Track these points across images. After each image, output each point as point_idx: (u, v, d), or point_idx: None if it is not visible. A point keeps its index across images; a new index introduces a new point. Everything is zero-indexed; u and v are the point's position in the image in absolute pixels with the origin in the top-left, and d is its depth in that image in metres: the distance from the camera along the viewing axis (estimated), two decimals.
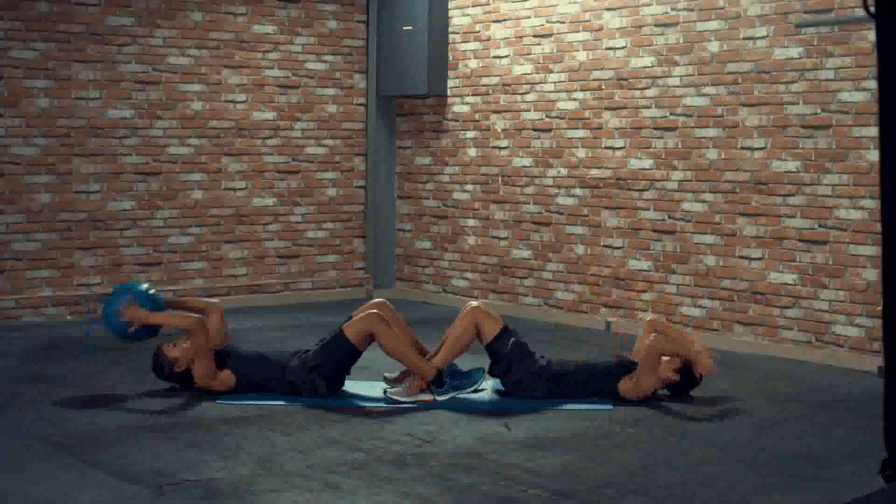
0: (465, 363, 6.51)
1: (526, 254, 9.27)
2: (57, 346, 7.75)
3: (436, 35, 9.76)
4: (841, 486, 4.73)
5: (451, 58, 9.84)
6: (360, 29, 10.24)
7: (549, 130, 9.08)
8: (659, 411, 6.06)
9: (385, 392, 6.22)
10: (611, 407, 6.11)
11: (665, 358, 6.24)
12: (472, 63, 9.67)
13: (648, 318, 6.64)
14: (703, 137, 8.06)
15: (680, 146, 8.20)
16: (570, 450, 5.28)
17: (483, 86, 9.58)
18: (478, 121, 9.65)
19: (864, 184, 7.21)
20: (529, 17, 9.19)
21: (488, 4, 9.52)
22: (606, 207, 8.68)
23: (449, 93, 9.86)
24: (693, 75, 8.10)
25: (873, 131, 7.03)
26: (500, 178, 9.48)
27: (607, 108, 8.65)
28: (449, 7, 9.81)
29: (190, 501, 4.47)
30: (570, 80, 8.90)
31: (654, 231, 8.38)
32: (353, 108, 10.26)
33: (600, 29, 8.67)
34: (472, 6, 9.65)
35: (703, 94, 8.04)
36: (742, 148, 7.85)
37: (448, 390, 6.20)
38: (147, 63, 9.23)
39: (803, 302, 7.55)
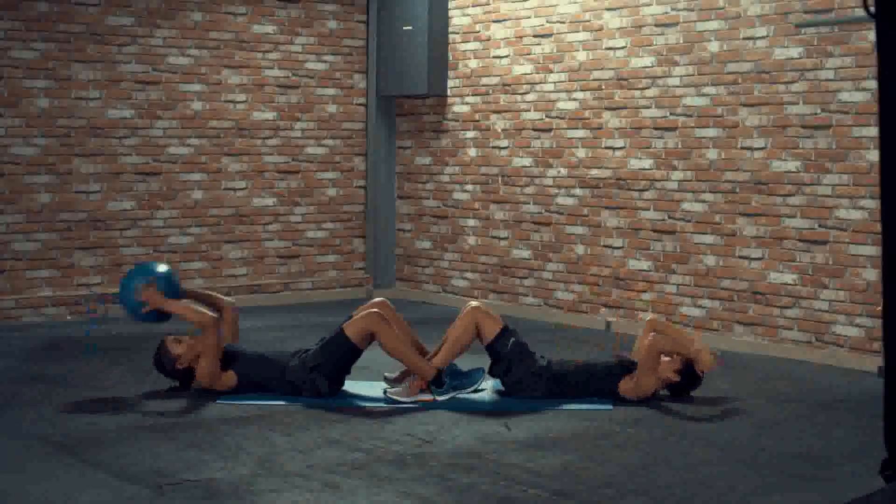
0: (465, 363, 6.51)
1: (526, 254, 9.27)
2: (57, 346, 7.75)
3: (436, 35, 9.76)
4: (841, 486, 4.73)
5: (451, 58, 9.84)
6: (360, 29, 10.24)
7: (549, 130, 9.08)
8: (659, 411, 6.06)
9: (385, 392, 6.22)
10: (611, 407, 6.11)
11: (665, 358, 6.24)
12: (472, 63, 9.67)
13: (648, 318, 6.64)
14: (703, 137, 8.06)
15: (680, 146, 8.20)
16: (570, 450, 5.28)
17: (483, 86, 9.58)
18: (478, 121, 9.65)
19: (864, 184, 7.21)
20: (529, 17, 9.19)
21: (488, 4, 9.52)
22: (606, 207, 8.68)
23: (449, 93, 9.86)
24: (693, 75, 8.10)
25: (873, 131, 7.03)
26: (500, 178, 9.48)
27: (607, 108, 8.65)
28: (449, 7, 9.81)
29: (190, 501, 4.47)
30: (570, 80, 8.90)
31: (654, 231, 8.38)
32: (353, 108, 10.26)
33: (600, 29, 8.67)
34: (472, 6, 9.65)
35: (703, 94, 8.04)
36: (742, 148, 7.85)
37: (448, 390, 6.20)
38: (147, 63, 9.23)
39: (803, 302, 7.55)
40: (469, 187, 9.73)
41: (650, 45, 8.34)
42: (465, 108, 9.74)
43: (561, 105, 8.97)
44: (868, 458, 4.84)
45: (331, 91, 10.13)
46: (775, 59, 7.65)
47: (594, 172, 8.76)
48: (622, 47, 8.53)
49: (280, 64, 9.85)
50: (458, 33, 9.78)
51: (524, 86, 9.25)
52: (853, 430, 5.68)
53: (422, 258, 10.17)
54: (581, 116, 8.84)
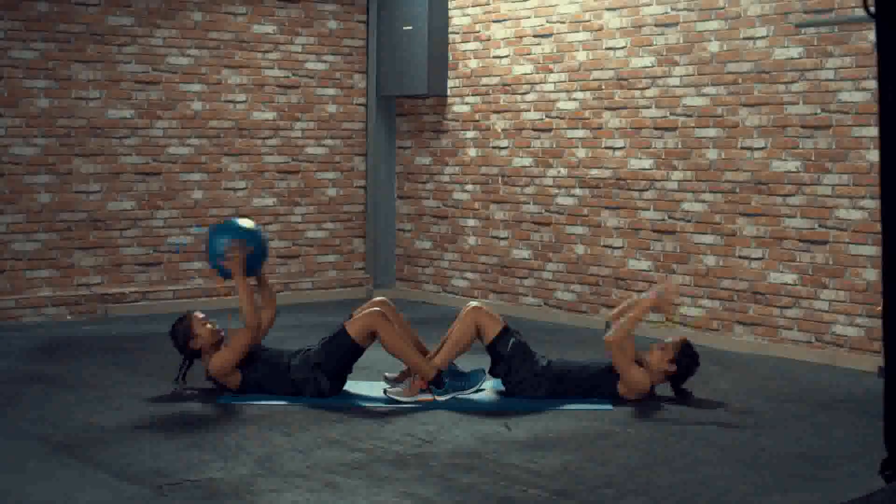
0: (465, 363, 6.51)
1: (526, 254, 9.27)
2: (57, 346, 7.75)
3: (436, 35, 9.76)
4: (841, 486, 4.73)
5: (451, 58, 9.84)
6: (360, 29, 10.24)
7: (549, 130, 9.08)
8: (659, 411, 6.06)
9: (385, 392, 6.22)
10: (611, 407, 6.11)
11: (658, 351, 6.21)
12: (472, 63, 9.67)
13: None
14: (703, 137, 8.06)
15: (680, 146, 8.20)
16: (570, 450, 5.28)
17: (483, 86, 9.58)
18: (478, 121, 9.65)
19: (864, 184, 7.21)
20: (529, 17, 9.19)
21: (488, 4, 9.52)
22: (606, 207, 8.68)
23: (449, 93, 9.86)
24: (693, 75, 8.10)
25: (873, 131, 7.03)
26: (500, 178, 9.48)
27: (607, 108, 8.65)
28: (449, 7, 9.81)
29: (190, 501, 4.47)
30: (570, 80, 8.90)
31: (654, 231, 8.38)
32: (353, 108, 10.26)
33: (600, 29, 8.67)
34: (472, 6, 9.65)
35: (703, 94, 8.05)
36: (742, 148, 7.85)
37: (448, 391, 6.20)
38: (147, 63, 9.23)
39: (803, 302, 7.55)
40: (469, 187, 9.73)
41: (650, 45, 8.35)
42: (465, 108, 9.74)
43: (561, 105, 8.97)
44: (868, 458, 4.84)
45: (331, 91, 10.13)
46: (775, 59, 7.65)
47: (594, 172, 8.76)
48: (622, 47, 8.53)
49: (280, 64, 9.85)
50: (458, 33, 9.78)
51: (524, 86, 9.25)
52: (853, 430, 5.68)
53: (422, 258, 10.17)
54: (581, 116, 8.84)
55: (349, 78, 10.21)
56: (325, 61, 10.09)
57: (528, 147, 9.23)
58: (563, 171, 8.98)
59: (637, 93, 8.44)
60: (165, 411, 5.90)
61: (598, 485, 4.75)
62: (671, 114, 8.24)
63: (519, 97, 9.28)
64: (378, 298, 6.47)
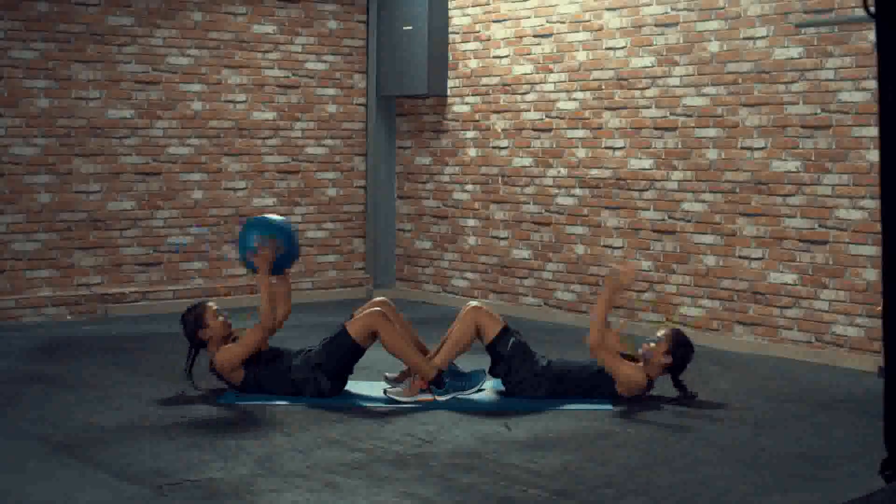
0: (466, 364, 6.51)
1: (526, 254, 9.27)
2: (57, 346, 7.75)
3: (436, 35, 9.76)
4: (841, 486, 4.73)
5: (451, 58, 9.84)
6: (360, 29, 10.24)
7: (549, 130, 9.08)
8: (659, 411, 6.06)
9: (385, 392, 6.22)
10: (611, 407, 6.11)
11: (651, 345, 6.21)
12: (472, 63, 9.67)
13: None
14: (703, 137, 8.06)
15: (680, 146, 8.20)
16: (570, 450, 5.28)
17: (483, 86, 9.58)
18: (478, 121, 9.65)
19: (864, 184, 7.21)
20: (529, 17, 9.19)
21: (488, 4, 9.52)
22: (606, 207, 8.68)
23: (449, 93, 9.86)
24: (693, 75, 8.10)
25: (873, 131, 7.03)
26: (500, 178, 9.48)
27: (607, 108, 8.65)
28: (449, 7, 9.81)
29: (190, 501, 4.47)
30: (570, 80, 8.90)
31: (654, 231, 8.38)
32: (353, 108, 10.26)
33: (600, 29, 8.67)
34: (472, 6, 9.65)
35: (703, 94, 8.04)
36: (742, 148, 7.85)
37: (448, 391, 6.19)
38: (147, 63, 9.23)
39: (803, 302, 7.55)
40: (469, 187, 9.73)
41: (650, 45, 8.34)
42: (465, 108, 9.74)
43: (561, 105, 8.97)
44: (868, 458, 4.84)
45: (331, 91, 10.13)
46: (775, 59, 7.64)
47: (594, 172, 8.76)
48: (622, 47, 8.53)
49: (280, 64, 9.85)
50: (458, 33, 9.78)
51: (524, 86, 9.25)
52: (853, 430, 5.68)
53: (422, 258, 10.17)
54: (581, 116, 8.84)
55: (349, 78, 10.21)
56: (325, 61, 10.08)
57: (528, 147, 9.23)
58: (563, 171, 8.98)
59: (637, 93, 8.44)
60: (165, 411, 5.90)
61: (598, 485, 4.75)
62: (671, 114, 8.24)
63: (519, 97, 9.28)
64: (378, 298, 6.47)
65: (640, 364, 6.20)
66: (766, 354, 7.67)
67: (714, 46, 7.97)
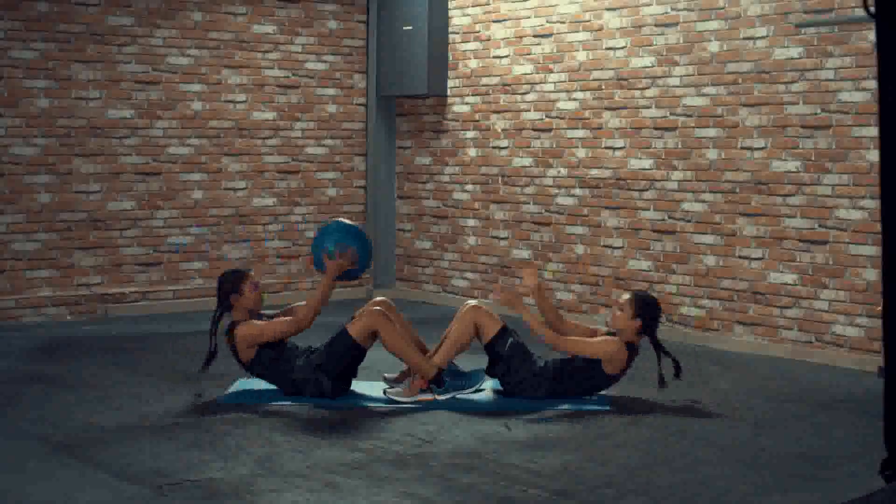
0: (466, 364, 6.51)
1: (526, 254, 9.27)
2: (57, 346, 7.75)
3: (436, 35, 9.76)
4: (841, 486, 4.73)
5: (451, 58, 9.84)
6: (360, 29, 10.24)
7: (549, 130, 9.08)
8: (659, 411, 6.06)
9: (385, 392, 6.22)
10: (610, 407, 6.11)
11: (618, 312, 6.21)
12: (472, 63, 9.67)
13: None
14: (703, 137, 8.06)
15: (680, 146, 8.20)
16: (570, 450, 5.28)
17: (483, 86, 9.58)
18: (478, 121, 9.65)
19: (864, 184, 7.21)
20: (529, 17, 9.19)
21: (488, 4, 9.52)
22: (606, 207, 8.68)
23: (449, 93, 9.86)
24: (693, 75, 8.10)
25: (873, 131, 7.03)
26: (500, 178, 9.48)
27: (607, 108, 8.65)
28: (449, 7, 9.81)
29: (190, 501, 4.47)
30: (570, 80, 8.90)
31: (654, 231, 8.38)
32: (353, 108, 10.26)
33: (600, 29, 8.67)
34: (472, 6, 9.65)
35: (703, 94, 8.05)
36: (742, 148, 7.85)
37: (448, 390, 6.19)
38: (147, 63, 9.23)
39: (803, 302, 7.55)
40: (469, 187, 9.73)
41: (650, 45, 8.35)
42: (465, 108, 9.74)
43: (561, 105, 8.97)
44: (868, 458, 4.84)
45: (331, 91, 10.13)
46: (775, 59, 7.65)
47: (594, 172, 8.76)
48: (622, 47, 8.53)
49: (280, 64, 9.85)
50: (458, 33, 9.78)
51: (524, 86, 9.25)
52: (853, 430, 5.68)
53: (422, 258, 10.17)
54: (581, 116, 8.84)
55: (349, 78, 10.21)
56: (325, 61, 10.08)
57: (528, 147, 9.23)
58: (563, 171, 8.98)
59: (637, 93, 8.44)
60: (165, 411, 5.90)
61: (598, 485, 4.75)
62: (671, 114, 8.24)
63: (519, 97, 9.28)
64: (378, 299, 6.47)
65: (615, 337, 6.20)
66: (766, 354, 7.67)
67: (714, 46, 7.97)
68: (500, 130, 9.46)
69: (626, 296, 6.26)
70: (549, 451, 5.25)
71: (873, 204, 7.12)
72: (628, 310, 6.17)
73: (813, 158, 7.47)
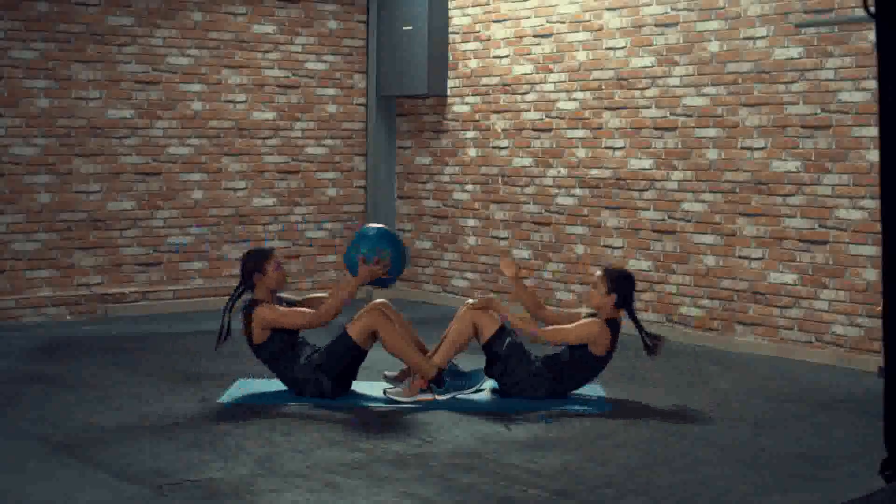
0: (466, 364, 6.51)
1: (526, 254, 9.27)
2: (57, 346, 7.75)
3: (436, 35, 9.76)
4: (841, 486, 4.73)
5: (451, 58, 9.84)
6: (360, 29, 10.24)
7: (549, 130, 9.08)
8: (659, 411, 6.06)
9: (385, 392, 6.22)
10: (611, 407, 6.11)
11: (592, 291, 6.24)
12: (472, 63, 9.67)
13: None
14: (703, 137, 8.06)
15: (680, 146, 8.20)
16: (570, 450, 5.28)
17: (483, 86, 9.58)
18: (478, 121, 9.65)
19: (864, 184, 7.21)
20: (529, 17, 9.19)
21: (488, 4, 9.52)
22: (606, 207, 8.68)
23: (449, 93, 9.86)
24: (693, 75, 8.10)
25: (873, 131, 7.03)
26: (500, 178, 9.48)
27: (607, 108, 8.65)
28: (449, 7, 9.81)
29: (190, 501, 4.47)
30: (570, 80, 8.90)
31: (654, 231, 8.38)
32: (353, 108, 10.26)
33: (600, 29, 8.67)
34: (472, 6, 9.65)
35: (703, 94, 8.05)
36: (742, 148, 7.85)
37: (448, 390, 6.19)
38: (147, 63, 9.23)
39: (803, 302, 7.55)
40: (469, 187, 9.73)
41: (650, 45, 8.35)
42: (465, 108, 9.74)
43: (561, 105, 8.97)
44: (868, 458, 4.84)
45: (331, 91, 10.13)
46: (775, 59, 7.65)
47: (594, 172, 8.76)
48: (622, 47, 8.53)
49: (280, 64, 9.85)
50: (458, 33, 9.78)
51: (524, 86, 9.25)
52: (853, 430, 5.68)
53: (422, 258, 10.17)
54: (581, 116, 8.84)
55: (349, 78, 10.21)
56: (325, 61, 10.09)
57: (528, 147, 9.23)
58: (563, 171, 8.98)
59: (637, 93, 8.44)
60: (165, 411, 5.90)
61: (598, 485, 4.75)
62: (671, 114, 8.24)
63: (519, 97, 9.28)
64: (377, 300, 6.46)
65: (594, 318, 6.21)
66: (766, 354, 7.67)
67: (714, 46, 7.97)
68: (500, 130, 9.46)
69: (598, 272, 6.29)
70: (549, 451, 5.25)
71: (873, 204, 7.12)
72: (601, 286, 6.21)
73: (813, 158, 7.47)
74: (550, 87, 9.05)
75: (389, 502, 4.50)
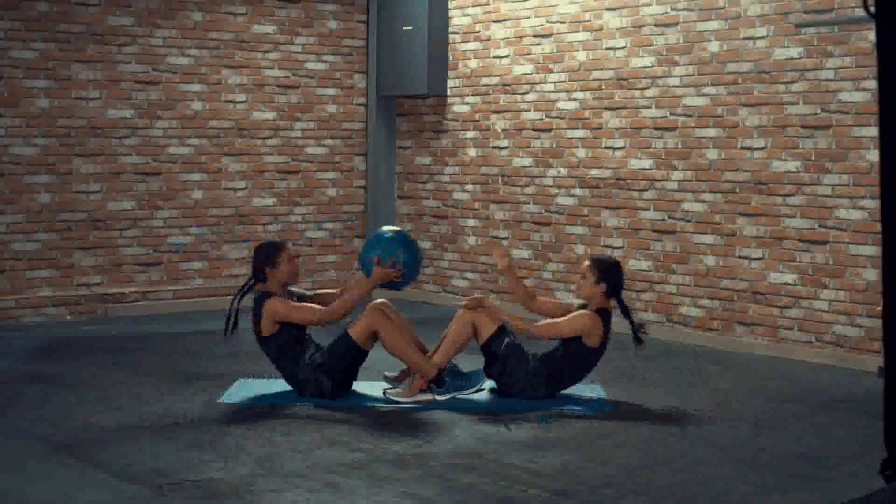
0: (466, 364, 6.51)
1: (526, 254, 9.27)
2: (57, 346, 7.75)
3: (436, 35, 9.76)
4: (841, 486, 4.73)
5: (451, 58, 9.84)
6: (360, 29, 10.24)
7: (549, 130, 9.08)
8: (659, 411, 6.06)
9: (385, 392, 6.22)
10: (611, 407, 6.11)
11: (581, 281, 6.27)
12: (472, 63, 9.67)
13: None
14: (703, 137, 8.06)
15: (680, 146, 8.20)
16: (570, 450, 5.28)
17: (483, 86, 9.58)
18: (478, 121, 9.65)
19: (864, 184, 7.21)
20: (529, 17, 9.19)
21: (488, 4, 9.52)
22: (606, 207, 8.68)
23: (449, 93, 9.86)
24: (693, 75, 8.10)
25: (873, 131, 7.03)
26: (500, 178, 9.48)
27: (607, 108, 8.65)
28: (449, 7, 9.81)
29: (190, 501, 4.47)
30: (570, 80, 8.90)
31: (654, 231, 8.38)
32: (353, 108, 10.26)
33: (600, 29, 8.67)
34: (472, 6, 9.65)
35: (703, 94, 8.04)
36: (742, 148, 7.85)
37: (448, 390, 6.19)
38: (147, 63, 9.23)
39: (803, 302, 7.55)
40: (469, 187, 9.73)
41: (650, 45, 8.34)
42: (465, 108, 9.74)
43: (561, 105, 8.97)
44: (868, 458, 4.84)
45: (331, 91, 10.13)
46: (775, 59, 7.65)
47: (594, 172, 8.76)
48: (622, 47, 8.53)
49: (280, 64, 9.85)
50: (458, 33, 9.78)
51: (524, 86, 9.25)
52: (853, 430, 5.68)
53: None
54: (581, 116, 8.84)
55: (349, 78, 10.21)
56: (325, 61, 10.09)
57: (528, 147, 9.23)
58: (563, 171, 8.98)
59: (637, 93, 8.44)
60: (165, 411, 5.90)
61: (598, 485, 4.75)
62: (671, 114, 8.24)
63: (519, 97, 9.28)
64: (378, 301, 6.46)
65: (585, 310, 6.21)
66: (766, 354, 7.67)
67: (714, 46, 7.97)
68: (500, 130, 9.46)
69: (586, 262, 6.30)
70: (549, 451, 5.25)
71: (873, 204, 7.12)
72: (590, 276, 6.23)
73: (813, 158, 7.47)
74: (550, 87, 9.05)
75: (389, 502, 4.50)
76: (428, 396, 6.16)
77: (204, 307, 9.36)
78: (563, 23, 8.93)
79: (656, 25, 8.31)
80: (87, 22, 8.97)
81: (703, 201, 8.07)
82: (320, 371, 6.16)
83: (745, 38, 7.80)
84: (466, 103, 9.73)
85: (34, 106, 8.77)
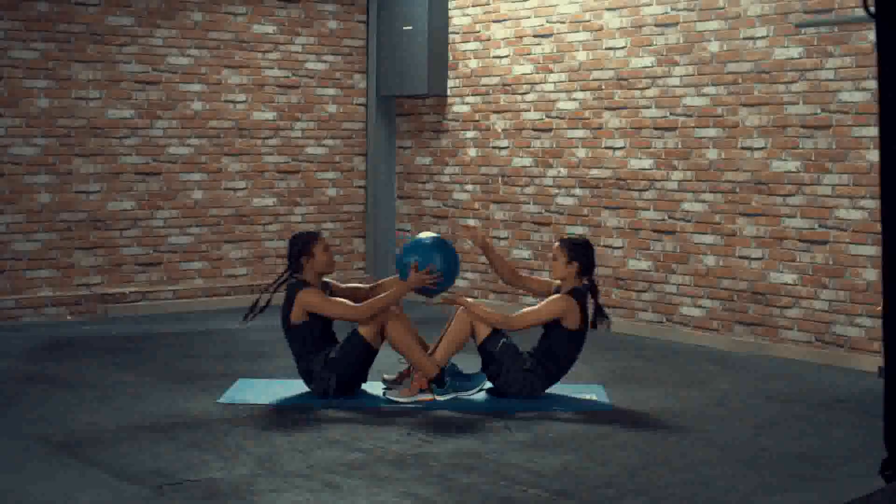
0: (466, 364, 6.51)
1: (527, 254, 9.27)
2: (57, 346, 7.75)
3: (436, 35, 9.76)
4: (841, 486, 4.73)
5: (451, 58, 9.84)
6: (360, 29, 10.24)
7: (549, 130, 9.08)
8: (659, 411, 6.06)
9: (384, 393, 6.22)
10: (611, 407, 6.11)
11: (554, 262, 6.28)
12: (472, 63, 9.67)
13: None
14: (703, 137, 8.06)
15: (680, 146, 8.20)
16: (570, 450, 5.28)
17: (483, 86, 9.58)
18: (478, 121, 9.65)
19: (864, 184, 7.21)
20: (529, 17, 9.19)
21: (488, 4, 9.52)
22: (606, 207, 8.68)
23: (449, 93, 9.86)
24: (693, 75, 8.10)
25: (873, 131, 7.03)
26: (500, 178, 9.48)
27: (607, 108, 8.65)
28: (449, 7, 9.81)
29: (190, 501, 4.47)
30: (570, 80, 8.90)
31: (654, 231, 8.38)
32: (353, 108, 10.26)
33: (600, 29, 8.67)
34: (472, 6, 9.65)
35: (703, 94, 8.04)
36: (742, 148, 7.85)
37: (449, 390, 6.19)
38: (147, 63, 9.23)
39: (803, 302, 7.55)
40: (469, 187, 9.73)
41: (650, 45, 8.34)
42: (465, 108, 9.74)
43: (561, 105, 8.97)
44: (868, 458, 4.83)
45: (331, 91, 10.13)
46: (775, 59, 7.65)
47: (594, 172, 8.76)
48: (622, 47, 8.53)
49: (280, 64, 9.85)
50: (458, 33, 9.77)
51: (524, 86, 9.25)
52: (853, 430, 5.68)
53: None
54: (581, 116, 8.84)
55: (349, 78, 10.21)
56: (325, 61, 10.09)
57: (528, 147, 9.23)
58: (563, 171, 8.98)
59: (637, 93, 8.44)
60: (165, 411, 5.90)
61: (598, 485, 4.75)
62: (671, 114, 8.24)
63: (519, 97, 9.28)
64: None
65: (559, 294, 6.23)
66: (766, 354, 7.67)
67: (714, 46, 7.97)
68: (500, 130, 9.46)
69: (556, 244, 6.32)
70: (549, 451, 5.25)
71: (873, 204, 7.12)
72: (562, 257, 6.25)
73: (813, 158, 7.47)
74: (550, 87, 9.05)
75: (389, 502, 4.50)
76: (428, 396, 6.16)
77: (204, 307, 9.36)
78: (563, 23, 8.93)
79: (656, 25, 8.31)
80: (87, 22, 8.97)
81: (703, 201, 8.07)
82: (329, 368, 6.14)
83: (745, 38, 7.80)
84: (466, 103, 9.73)
85: (34, 106, 8.77)
